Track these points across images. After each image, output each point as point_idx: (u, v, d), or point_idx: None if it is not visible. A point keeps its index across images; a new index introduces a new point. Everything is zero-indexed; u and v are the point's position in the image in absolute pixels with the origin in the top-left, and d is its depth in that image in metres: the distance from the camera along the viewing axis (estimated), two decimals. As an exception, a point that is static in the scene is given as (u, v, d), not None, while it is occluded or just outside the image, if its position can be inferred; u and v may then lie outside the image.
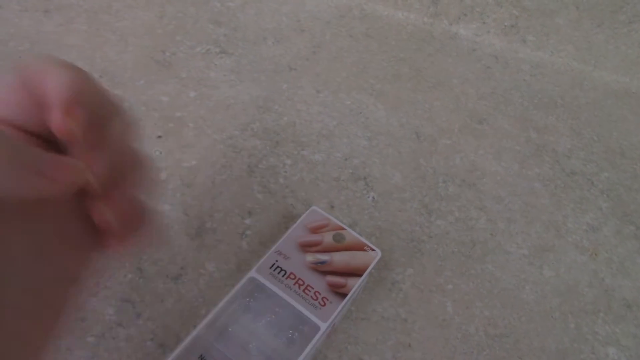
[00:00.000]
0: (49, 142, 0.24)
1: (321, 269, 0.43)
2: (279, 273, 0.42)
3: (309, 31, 0.72)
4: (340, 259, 0.44)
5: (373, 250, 0.45)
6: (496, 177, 0.59)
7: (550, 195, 0.59)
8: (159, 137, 0.55)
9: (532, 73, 0.73)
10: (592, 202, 0.59)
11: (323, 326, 0.40)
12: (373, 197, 0.55)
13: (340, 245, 0.45)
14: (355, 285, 0.42)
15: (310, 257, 0.43)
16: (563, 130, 0.66)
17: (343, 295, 0.42)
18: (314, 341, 0.39)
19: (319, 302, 0.41)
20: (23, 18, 0.64)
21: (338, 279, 0.42)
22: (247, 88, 0.62)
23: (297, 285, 0.41)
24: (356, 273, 0.43)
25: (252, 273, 0.42)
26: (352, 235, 0.45)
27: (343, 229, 0.46)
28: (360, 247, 0.45)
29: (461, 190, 0.57)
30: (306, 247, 0.44)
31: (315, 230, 0.45)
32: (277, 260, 0.43)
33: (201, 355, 0.38)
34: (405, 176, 0.57)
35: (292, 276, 0.42)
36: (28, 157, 0.21)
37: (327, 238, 0.45)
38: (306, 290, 0.41)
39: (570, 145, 0.65)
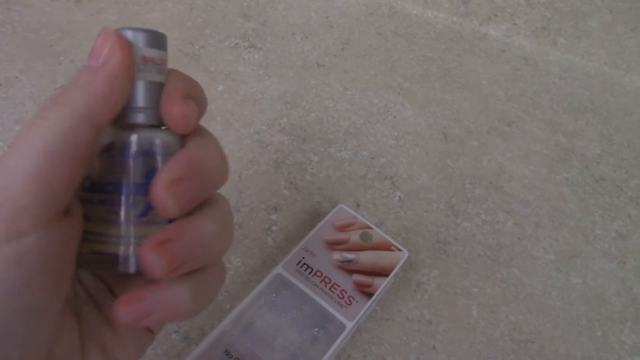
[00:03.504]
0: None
1: (347, 268, 0.43)
2: (305, 270, 0.42)
3: (338, 28, 0.71)
4: (366, 258, 0.43)
5: (400, 250, 0.44)
6: (524, 180, 0.58)
7: (578, 201, 0.58)
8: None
9: (562, 76, 0.72)
10: (621, 209, 0.58)
11: (349, 325, 0.39)
12: (399, 197, 0.54)
13: (367, 244, 0.44)
14: (381, 285, 0.42)
15: (337, 255, 0.43)
16: (592, 135, 0.65)
17: (369, 295, 0.41)
18: (339, 340, 0.39)
19: (345, 301, 0.41)
20: (54, 7, 0.65)
21: (365, 279, 0.42)
22: (275, 83, 0.62)
23: (323, 283, 0.41)
24: (382, 273, 0.43)
25: (279, 269, 0.41)
26: (379, 234, 0.45)
27: (370, 227, 0.45)
28: (387, 247, 0.44)
29: (488, 192, 0.56)
30: (333, 245, 0.44)
31: (342, 228, 0.45)
32: (303, 257, 0.42)
33: (226, 350, 0.38)
34: (432, 177, 0.57)
35: (318, 274, 0.42)
36: None
37: (354, 237, 0.45)
38: (332, 289, 0.41)
39: (600, 151, 0.63)
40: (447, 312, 0.47)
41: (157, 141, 0.23)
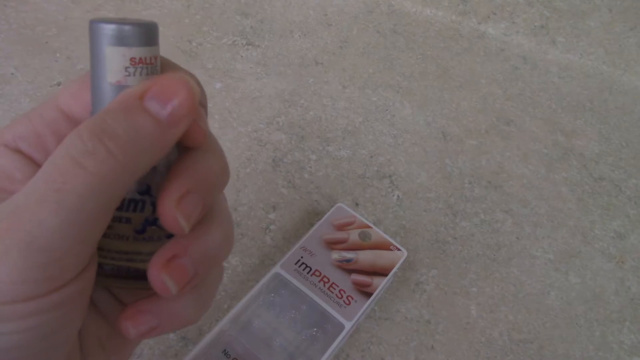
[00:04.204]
0: None
1: (346, 267, 0.42)
2: (304, 269, 0.41)
3: (336, 26, 0.71)
4: (365, 257, 0.43)
5: (399, 249, 0.44)
6: (523, 180, 0.58)
7: (577, 201, 0.58)
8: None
9: (560, 75, 0.72)
10: (619, 208, 0.58)
11: (348, 325, 0.39)
12: (398, 196, 0.54)
13: (366, 243, 0.44)
14: (380, 284, 0.42)
15: (336, 255, 0.43)
16: (591, 135, 0.65)
17: (368, 295, 0.41)
18: (338, 340, 0.39)
19: (344, 301, 0.40)
20: (50, 3, 0.64)
21: (364, 278, 0.42)
22: (273, 81, 0.62)
23: (322, 282, 0.41)
24: (381, 272, 0.43)
25: (277, 269, 0.41)
26: (378, 233, 0.45)
27: (369, 227, 0.45)
28: (386, 246, 0.44)
29: (487, 192, 0.56)
30: (332, 244, 0.44)
31: (341, 227, 0.45)
32: (302, 257, 0.42)
33: (224, 350, 0.38)
34: (430, 176, 0.56)
35: (317, 273, 0.41)
36: None
37: (353, 236, 0.44)
38: (331, 288, 0.41)
39: (599, 150, 0.63)
40: (446, 311, 0.47)
41: None
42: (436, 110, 0.63)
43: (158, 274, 0.20)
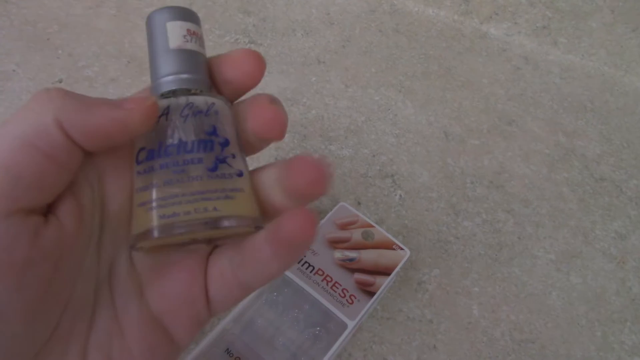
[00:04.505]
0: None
1: (349, 266, 0.42)
2: (307, 268, 0.41)
3: (339, 24, 0.71)
4: (368, 256, 0.43)
5: (402, 249, 0.44)
6: (524, 180, 0.58)
7: (578, 201, 0.58)
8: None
9: (562, 76, 0.72)
10: (620, 209, 0.58)
11: (350, 324, 0.39)
12: (400, 195, 0.54)
13: (369, 242, 0.44)
14: (383, 284, 0.42)
15: (339, 254, 0.43)
16: (592, 135, 0.65)
17: (371, 294, 0.41)
18: (341, 339, 0.39)
19: (347, 300, 0.40)
20: (52, 0, 0.64)
21: (367, 278, 0.42)
22: (275, 80, 0.61)
23: (325, 281, 0.41)
24: (384, 272, 0.43)
25: (280, 267, 0.41)
26: (381, 233, 0.45)
27: (372, 226, 0.45)
28: (388, 246, 0.44)
29: (489, 191, 0.56)
30: (335, 243, 0.43)
31: (344, 226, 0.45)
32: (305, 255, 0.42)
33: (227, 349, 0.38)
34: (432, 175, 0.56)
35: (320, 272, 0.41)
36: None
37: (356, 235, 0.44)
38: (334, 287, 0.41)
39: (600, 151, 0.63)
40: (448, 311, 0.47)
41: (215, 102, 0.24)
42: (438, 109, 0.63)
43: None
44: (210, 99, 0.24)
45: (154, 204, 0.22)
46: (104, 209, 0.24)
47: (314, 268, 0.41)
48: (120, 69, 0.59)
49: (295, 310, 0.40)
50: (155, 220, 0.22)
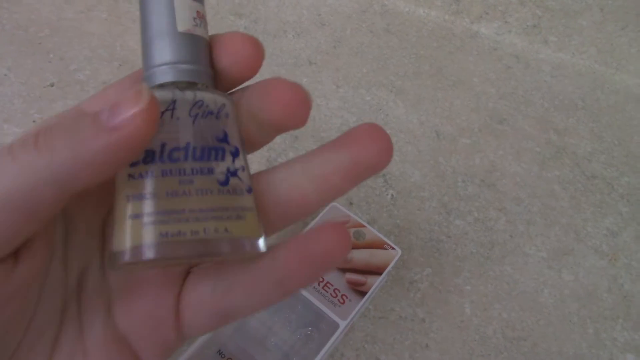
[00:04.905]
0: None
1: (341, 266, 0.42)
2: (298, 269, 0.41)
3: (330, 25, 0.71)
4: (360, 256, 0.43)
5: (393, 248, 0.44)
6: (516, 178, 0.59)
7: (570, 199, 0.58)
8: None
9: (553, 74, 0.72)
10: (612, 206, 0.59)
11: (342, 324, 0.39)
12: (392, 195, 0.54)
13: (360, 242, 0.44)
14: (375, 283, 0.42)
15: (330, 254, 0.43)
16: (583, 133, 0.65)
17: (362, 294, 0.41)
18: (332, 339, 0.39)
19: (338, 300, 0.41)
20: (44, 4, 0.64)
21: (358, 277, 0.42)
22: (267, 81, 0.62)
23: (316, 281, 0.41)
24: (376, 271, 0.43)
25: (272, 268, 0.41)
26: (372, 232, 0.45)
27: (363, 226, 0.45)
28: (380, 245, 0.44)
29: (480, 190, 0.57)
30: (326, 243, 0.44)
31: (335, 226, 0.45)
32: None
33: (219, 350, 0.38)
34: (424, 175, 0.57)
35: (311, 272, 0.41)
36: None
37: (347, 235, 0.44)
38: (325, 287, 0.41)
39: (591, 149, 0.64)
40: (440, 310, 0.47)
41: (225, 103, 0.21)
42: (429, 109, 0.63)
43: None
44: (220, 99, 0.21)
45: (153, 218, 0.18)
46: (67, 217, 0.22)
47: (305, 268, 0.42)
48: (112, 72, 0.59)
49: (287, 310, 0.40)
50: (153, 238, 0.18)
